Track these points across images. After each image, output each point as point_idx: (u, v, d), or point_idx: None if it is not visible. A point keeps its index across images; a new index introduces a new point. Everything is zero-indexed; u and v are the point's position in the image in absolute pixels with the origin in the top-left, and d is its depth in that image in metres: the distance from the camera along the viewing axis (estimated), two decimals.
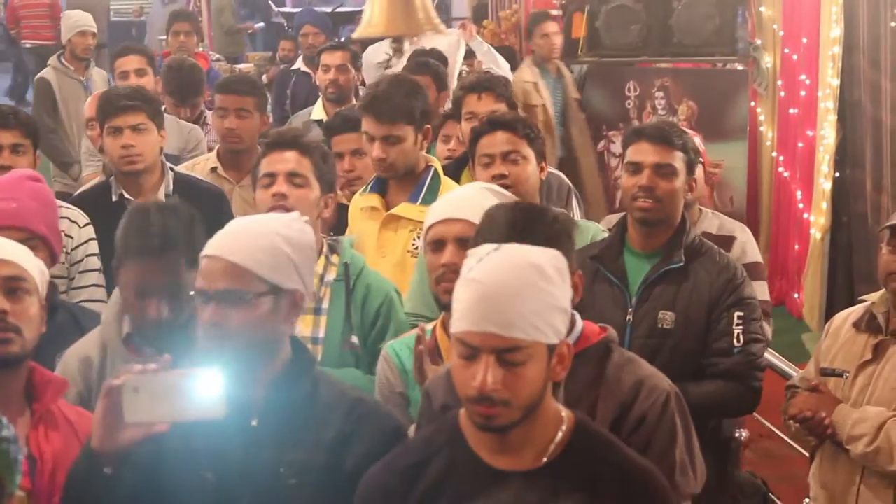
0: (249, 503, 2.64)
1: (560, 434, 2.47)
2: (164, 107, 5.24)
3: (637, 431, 2.79)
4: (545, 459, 2.45)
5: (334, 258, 3.66)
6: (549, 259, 2.43)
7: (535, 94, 8.51)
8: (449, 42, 7.38)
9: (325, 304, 3.60)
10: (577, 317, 2.88)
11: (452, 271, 3.11)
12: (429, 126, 4.51)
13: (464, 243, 3.14)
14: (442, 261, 3.20)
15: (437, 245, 3.24)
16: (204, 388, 2.47)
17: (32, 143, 4.56)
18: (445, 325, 3.23)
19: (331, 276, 3.63)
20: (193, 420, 2.53)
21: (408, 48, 7.72)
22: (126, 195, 4.54)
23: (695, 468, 2.88)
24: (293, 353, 2.76)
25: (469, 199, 3.26)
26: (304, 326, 3.54)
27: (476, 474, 2.47)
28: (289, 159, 3.63)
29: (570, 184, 5.12)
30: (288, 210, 3.39)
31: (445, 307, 3.19)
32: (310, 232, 2.80)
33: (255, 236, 2.70)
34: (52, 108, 7.92)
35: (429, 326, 3.31)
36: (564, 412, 2.51)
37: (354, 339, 3.55)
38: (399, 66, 6.84)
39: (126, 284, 3.17)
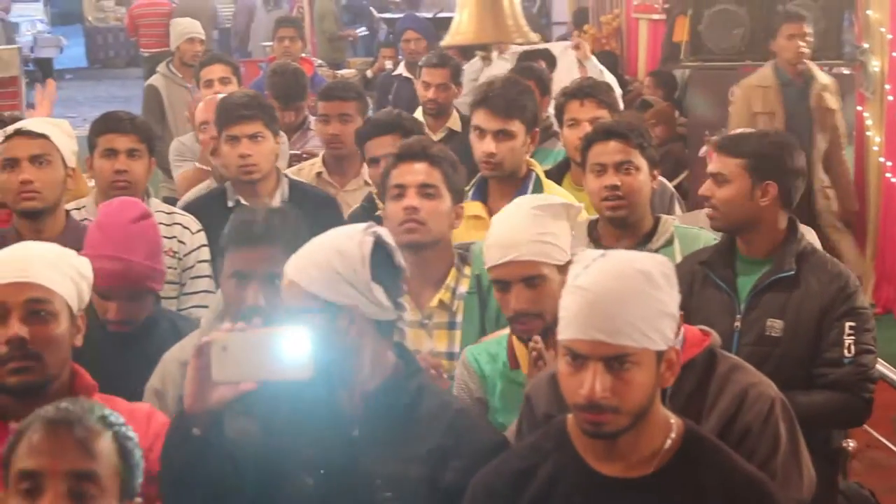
0: None
1: (669, 441, 2.46)
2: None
3: (742, 442, 2.77)
4: (654, 467, 2.44)
5: (466, 269, 3.64)
6: (656, 264, 2.43)
7: (763, 100, 7.79)
8: (559, 52, 7.39)
9: (458, 318, 3.60)
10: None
11: (523, 315, 3.16)
12: (536, 130, 4.53)
13: (529, 283, 3.17)
14: (512, 306, 3.20)
15: (502, 287, 3.23)
16: (291, 347, 2.47)
17: (148, 149, 4.62)
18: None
19: (462, 288, 3.61)
20: (279, 378, 2.52)
21: (495, 56, 7.74)
22: (242, 201, 4.60)
23: (801, 476, 2.85)
24: (399, 362, 2.76)
25: (520, 234, 3.21)
26: (438, 342, 3.58)
27: (584, 481, 2.46)
28: (419, 171, 3.60)
29: (672, 189, 5.09)
30: (420, 224, 3.44)
31: (523, 340, 3.21)
32: (368, 244, 2.70)
33: (312, 253, 2.70)
34: (161, 114, 8.05)
35: (503, 333, 3.33)
36: (674, 419, 2.50)
37: None
38: (489, 72, 6.84)
39: (227, 272, 3.22)
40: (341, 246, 2.67)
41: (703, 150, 7.16)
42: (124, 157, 4.54)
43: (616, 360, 2.35)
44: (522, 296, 3.17)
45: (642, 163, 4.01)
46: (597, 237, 4.04)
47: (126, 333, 3.56)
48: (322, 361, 2.55)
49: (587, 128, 4.58)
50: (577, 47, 7.65)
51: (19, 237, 3.94)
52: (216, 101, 5.08)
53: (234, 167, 4.63)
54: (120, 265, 3.53)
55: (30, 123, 4.25)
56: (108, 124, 4.63)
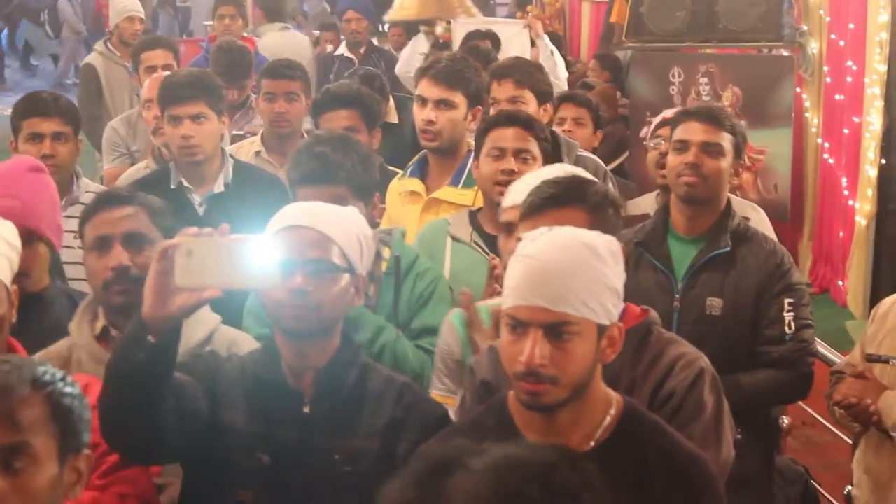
0: (304, 488, 2.66)
1: (609, 418, 2.47)
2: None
3: (664, 406, 2.79)
4: (592, 444, 2.45)
5: (385, 252, 3.65)
6: (602, 241, 2.44)
7: None
8: (512, 33, 7.40)
9: (371, 299, 3.59)
10: None
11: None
12: (479, 108, 4.54)
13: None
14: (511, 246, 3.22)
15: (509, 229, 3.23)
16: (259, 256, 2.39)
17: (74, 130, 4.56)
18: None
19: (380, 270, 3.62)
20: (245, 288, 2.48)
21: (440, 31, 7.73)
22: (185, 183, 4.54)
23: (719, 451, 2.86)
24: (341, 341, 2.80)
25: None
26: None
27: None
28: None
29: (605, 167, 5.13)
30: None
31: None
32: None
33: (340, 216, 2.80)
34: (98, 94, 7.94)
35: (496, 300, 3.34)
36: (613, 396, 2.51)
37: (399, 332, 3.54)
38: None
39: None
40: (357, 219, 2.85)
41: (644, 130, 7.21)
42: (49, 142, 4.47)
43: (556, 328, 2.35)
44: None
45: (538, 153, 4.01)
46: (477, 224, 4.03)
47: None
48: (328, 320, 2.68)
49: (505, 108, 4.62)
50: (529, 26, 7.68)
51: None
52: (161, 78, 5.02)
53: (176, 148, 4.58)
54: (12, 202, 3.45)
55: None
56: (32, 107, 4.56)
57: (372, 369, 2.84)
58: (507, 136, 3.96)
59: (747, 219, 4.42)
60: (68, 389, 2.20)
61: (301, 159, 3.50)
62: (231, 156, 4.74)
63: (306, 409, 2.71)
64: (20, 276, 3.36)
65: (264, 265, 2.37)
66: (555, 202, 2.89)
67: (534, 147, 3.96)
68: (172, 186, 4.50)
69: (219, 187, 4.51)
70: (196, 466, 2.74)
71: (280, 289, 2.61)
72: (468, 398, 2.93)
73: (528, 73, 4.93)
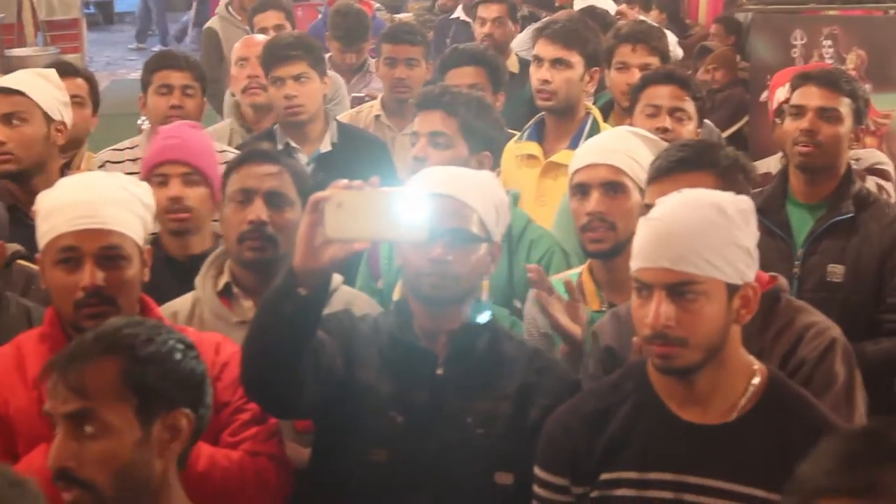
0: (437, 450, 2.69)
1: (752, 388, 2.44)
2: (329, 54, 5.31)
3: (795, 375, 2.74)
4: (735, 414, 2.42)
5: None
6: (731, 200, 2.42)
7: None
8: None
9: None
10: None
11: (598, 219, 3.12)
12: (597, 69, 4.52)
13: (610, 189, 3.15)
14: (587, 208, 3.19)
15: (581, 190, 3.23)
16: (410, 208, 2.38)
17: (201, 88, 4.73)
18: (592, 271, 3.25)
19: None
20: (393, 239, 2.50)
21: None
22: (292, 143, 4.62)
23: (852, 421, 2.83)
24: (473, 304, 2.82)
25: (614, 144, 3.25)
26: None
27: (663, 425, 2.45)
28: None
29: (719, 132, 5.09)
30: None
31: (590, 255, 3.21)
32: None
33: (479, 183, 2.81)
34: (219, 57, 8.04)
35: (575, 271, 3.33)
36: (757, 365, 2.48)
37: (517, 303, 3.53)
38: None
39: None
40: (494, 184, 2.88)
41: (765, 94, 7.08)
42: (179, 93, 4.65)
43: (680, 288, 2.34)
44: (600, 200, 3.17)
45: (693, 113, 3.97)
46: None
47: (184, 265, 3.54)
48: (465, 289, 2.72)
49: (636, 73, 4.57)
50: None
51: (13, 197, 3.96)
52: (255, 38, 5.11)
53: (280, 109, 4.66)
54: (175, 141, 3.64)
55: (5, 79, 4.16)
56: (163, 61, 4.75)
57: (504, 334, 2.87)
58: (662, 94, 3.95)
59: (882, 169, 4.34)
60: (153, 349, 2.22)
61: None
62: (335, 118, 4.82)
63: (439, 371, 2.74)
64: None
65: (413, 217, 2.37)
66: (683, 166, 2.86)
67: (689, 106, 3.95)
68: (279, 147, 4.56)
69: (325, 147, 4.61)
70: (330, 424, 2.79)
71: (420, 256, 2.64)
72: (591, 364, 2.93)
73: (660, 40, 4.90)
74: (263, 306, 2.56)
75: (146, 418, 2.18)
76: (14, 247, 3.28)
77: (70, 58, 8.54)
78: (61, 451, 2.14)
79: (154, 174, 3.66)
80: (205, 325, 3.11)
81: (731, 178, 2.84)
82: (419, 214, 2.38)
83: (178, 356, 2.23)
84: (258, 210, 3.12)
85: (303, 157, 4.52)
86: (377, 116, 5.43)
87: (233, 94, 6.15)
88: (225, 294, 3.21)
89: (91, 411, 2.14)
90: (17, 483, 1.74)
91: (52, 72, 4.25)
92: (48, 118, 4.04)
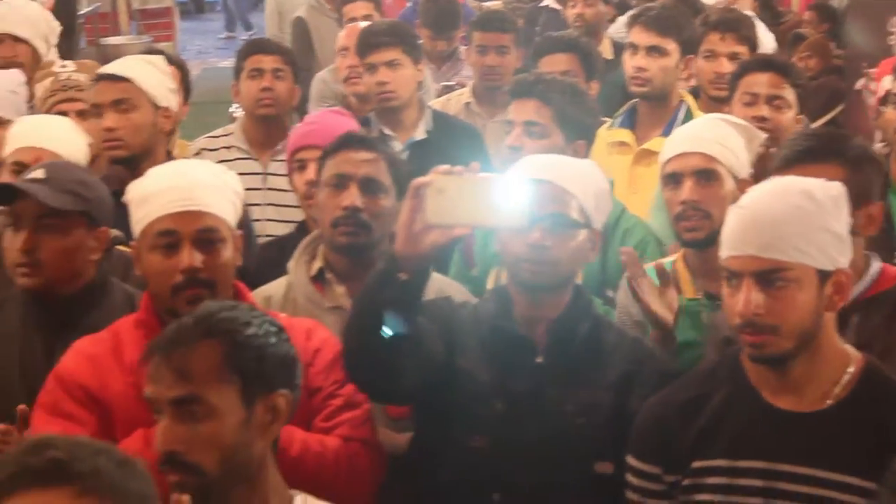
0: (537, 438, 2.70)
1: (847, 376, 2.42)
2: (420, 41, 5.33)
3: None
4: (829, 402, 2.40)
5: None
6: (821, 186, 2.39)
7: None
8: None
9: None
10: (875, 258, 2.82)
11: (692, 208, 3.09)
12: (692, 57, 4.49)
13: (703, 177, 3.12)
14: (681, 197, 3.17)
15: (674, 180, 3.21)
16: (510, 194, 2.39)
17: (292, 72, 4.81)
18: (686, 259, 3.23)
19: None
20: (494, 225, 2.52)
21: None
22: (386, 131, 4.64)
23: None
24: (573, 294, 2.82)
25: (706, 132, 3.23)
26: None
27: (756, 413, 2.44)
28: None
29: (807, 122, 4.99)
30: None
31: (686, 244, 3.19)
32: None
33: (579, 169, 2.83)
34: (308, 46, 8.10)
35: (669, 259, 3.31)
36: (852, 353, 2.45)
37: (610, 293, 3.52)
38: None
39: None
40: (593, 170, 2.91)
41: (861, 82, 6.98)
42: (269, 76, 4.72)
43: (768, 276, 2.32)
44: (693, 188, 3.16)
45: (793, 101, 3.92)
46: None
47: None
48: (564, 275, 2.74)
49: (724, 62, 4.52)
50: None
51: (121, 183, 4.00)
52: (357, 27, 5.15)
53: (373, 95, 4.70)
54: (315, 126, 3.76)
55: (114, 66, 4.21)
56: (253, 47, 4.89)
57: (604, 322, 2.87)
58: (761, 82, 3.91)
59: None
60: (252, 331, 2.24)
61: None
62: (429, 106, 4.85)
63: (539, 359, 2.75)
64: None
65: (513, 203, 2.37)
66: (810, 156, 2.82)
67: (788, 94, 3.91)
68: (374, 134, 4.59)
69: (420, 134, 4.63)
70: (429, 411, 2.81)
71: (519, 242, 2.64)
72: (710, 352, 2.92)
73: (749, 29, 4.85)
74: (364, 291, 2.59)
75: (249, 400, 2.21)
76: (115, 233, 3.34)
77: (162, 46, 8.64)
78: (169, 436, 2.18)
79: (294, 159, 3.76)
80: (298, 309, 3.14)
81: (858, 169, 2.79)
82: (519, 200, 2.38)
83: (273, 339, 2.27)
84: (353, 196, 3.15)
85: (397, 145, 4.55)
86: (467, 104, 5.44)
87: (324, 82, 6.23)
88: (318, 279, 3.24)
89: (197, 395, 2.18)
90: (125, 463, 1.77)
91: (160, 58, 4.32)
92: (155, 104, 4.10)
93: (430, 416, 2.82)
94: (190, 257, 2.75)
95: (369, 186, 3.17)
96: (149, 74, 4.12)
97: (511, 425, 2.70)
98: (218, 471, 2.17)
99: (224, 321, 2.24)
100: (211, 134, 4.91)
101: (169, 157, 4.18)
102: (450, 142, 4.54)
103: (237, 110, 5.49)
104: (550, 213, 2.72)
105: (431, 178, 2.41)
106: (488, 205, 2.37)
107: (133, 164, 3.99)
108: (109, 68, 4.17)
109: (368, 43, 4.73)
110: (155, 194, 2.82)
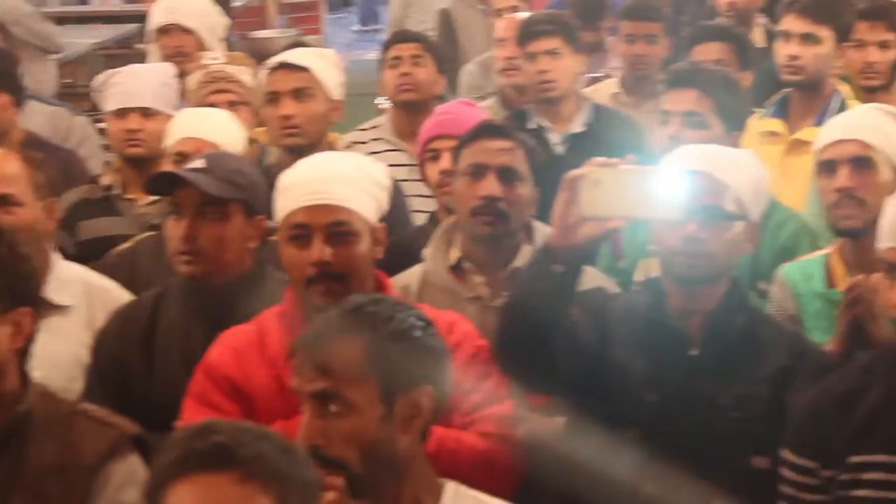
0: (690, 430, 2.69)
1: None
2: None
3: None
4: None
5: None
6: None
7: None
8: None
9: None
10: None
11: (847, 196, 3.03)
12: (847, 45, 4.40)
13: (858, 165, 3.06)
14: (835, 185, 3.11)
15: (828, 167, 3.15)
16: (665, 186, 2.36)
17: (434, 60, 4.86)
18: (842, 252, 3.17)
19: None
20: (649, 218, 2.51)
21: None
22: (543, 123, 4.63)
23: None
24: (729, 287, 2.79)
25: (862, 120, 3.17)
26: None
27: None
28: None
29: None
30: None
31: (840, 233, 3.13)
32: None
33: (735, 160, 2.79)
34: (452, 38, 8.11)
35: (823, 252, 3.27)
36: None
37: (761, 285, 3.45)
38: None
39: None
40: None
41: None
42: (407, 63, 4.78)
43: None
44: (848, 176, 3.10)
45: None
46: None
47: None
48: (721, 268, 2.70)
49: (873, 51, 4.42)
50: None
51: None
52: (514, 18, 5.16)
53: (532, 85, 4.68)
54: (447, 116, 3.81)
55: (292, 55, 4.30)
56: (393, 37, 5.01)
57: (760, 315, 2.84)
58: None
59: None
60: (395, 327, 2.22)
61: None
62: (588, 97, 4.81)
63: (693, 352, 2.73)
64: None
65: (669, 195, 2.35)
66: None
67: None
68: (530, 127, 4.58)
69: (578, 127, 4.59)
70: (582, 402, 2.80)
71: (673, 235, 2.63)
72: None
73: None
74: (519, 283, 2.61)
75: (389, 396, 2.19)
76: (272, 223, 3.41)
77: (309, 40, 8.76)
78: (310, 430, 2.19)
79: (427, 150, 3.78)
80: (434, 299, 3.14)
81: None
82: (674, 192, 2.36)
83: (418, 333, 2.24)
84: (491, 185, 3.15)
85: (554, 137, 4.55)
86: (615, 94, 5.41)
87: (471, 74, 6.26)
88: (455, 269, 3.25)
89: (335, 390, 2.17)
90: (288, 449, 1.81)
91: (331, 52, 4.46)
92: (328, 96, 4.18)
93: (582, 407, 2.81)
94: (320, 251, 2.77)
95: (507, 175, 3.18)
96: (324, 66, 4.22)
97: (664, 417, 2.69)
98: (360, 465, 2.16)
99: (367, 316, 2.23)
100: (360, 127, 4.97)
101: (330, 150, 4.26)
102: (609, 135, 4.49)
103: (384, 102, 5.55)
104: (705, 206, 2.69)
105: (586, 171, 2.41)
106: (643, 197, 2.35)
107: (302, 153, 4.06)
108: (287, 57, 4.27)
109: (529, 31, 4.73)
110: (293, 186, 2.87)
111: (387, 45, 4.98)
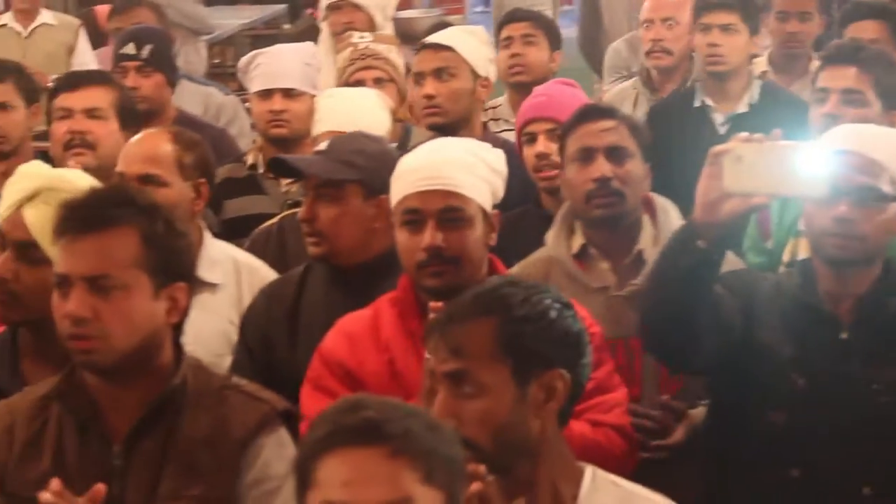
0: (839, 415, 2.64)
1: None
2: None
3: None
4: None
5: None
6: None
7: None
8: None
9: None
10: None
11: None
12: None
13: None
14: None
15: None
16: (811, 163, 2.31)
17: (546, 37, 4.84)
18: None
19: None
20: (793, 195, 2.47)
21: None
22: (708, 102, 4.59)
23: None
24: (883, 269, 2.73)
25: None
26: None
27: None
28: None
29: None
30: None
31: None
32: None
33: (892, 140, 2.72)
34: (595, 18, 8.00)
35: None
36: None
37: None
38: None
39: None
40: None
41: None
42: (519, 43, 4.77)
43: None
44: None
45: None
46: None
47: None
48: (872, 250, 2.64)
49: None
50: None
51: None
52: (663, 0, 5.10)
53: (702, 57, 4.65)
54: (543, 98, 3.74)
55: (437, 35, 4.34)
56: (505, 16, 4.99)
57: None
58: None
59: None
60: (528, 309, 2.20)
61: None
62: (758, 77, 4.73)
63: (844, 336, 2.68)
64: None
65: (815, 173, 2.30)
66: None
67: None
68: (696, 105, 4.54)
69: (743, 107, 4.54)
70: (725, 383, 2.78)
71: (824, 215, 2.57)
72: None
73: None
74: (662, 258, 2.59)
75: (522, 379, 2.18)
76: None
77: (452, 19, 8.79)
78: (442, 410, 2.18)
79: (523, 132, 3.75)
80: (559, 287, 3.09)
81: None
82: (820, 170, 2.30)
83: (554, 314, 2.22)
84: (601, 167, 3.12)
85: (718, 117, 4.51)
86: (763, 73, 5.29)
87: (617, 53, 6.18)
88: (581, 256, 3.21)
89: (468, 372, 2.16)
90: (435, 426, 1.82)
91: (481, 29, 4.47)
92: (475, 74, 4.20)
93: (727, 388, 2.78)
94: (432, 236, 2.78)
95: (615, 154, 3.14)
96: (470, 44, 4.24)
97: (812, 401, 2.65)
98: (492, 447, 2.15)
99: (501, 298, 2.21)
100: (489, 104, 4.95)
101: (485, 128, 4.29)
102: (773, 116, 4.37)
103: None
104: (859, 186, 2.62)
105: (730, 146, 2.38)
106: (788, 174, 2.30)
107: (449, 131, 4.08)
108: (432, 38, 4.33)
109: (707, 3, 4.66)
110: (407, 171, 2.88)
111: (499, 26, 4.96)
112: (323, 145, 3.20)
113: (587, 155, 3.15)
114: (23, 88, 4.29)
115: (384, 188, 3.01)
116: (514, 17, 5.01)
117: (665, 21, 5.09)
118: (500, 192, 2.95)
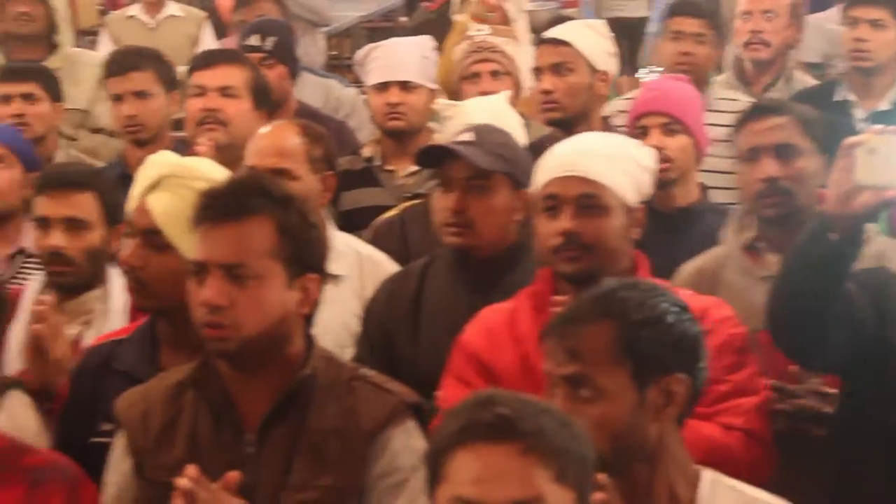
0: None
1: None
2: None
3: None
4: None
5: None
6: None
7: None
8: None
9: None
10: None
11: None
12: None
13: None
14: None
15: None
16: None
17: (714, 36, 4.77)
18: None
19: None
20: None
21: None
22: (850, 97, 4.55)
23: None
24: None
25: None
26: None
27: None
28: None
29: None
30: None
31: None
32: None
33: None
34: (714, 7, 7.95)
35: None
36: None
37: None
38: None
39: None
40: None
41: None
42: (691, 41, 4.71)
43: None
44: None
45: None
46: None
47: (670, 217, 3.59)
48: None
49: None
50: None
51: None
52: None
53: (847, 53, 4.64)
54: (655, 93, 3.75)
55: (555, 30, 4.32)
56: (678, 7, 4.87)
57: None
58: None
59: None
60: (648, 313, 2.18)
61: None
62: None
63: None
64: None
65: None
66: None
67: None
68: (836, 99, 4.50)
69: (885, 104, 4.49)
70: (857, 384, 2.73)
71: None
72: None
73: None
74: (793, 249, 2.57)
75: (641, 383, 2.16)
76: None
77: (569, 13, 8.76)
78: None
79: (636, 126, 3.74)
80: (731, 279, 3.13)
81: None
82: None
83: (671, 318, 2.20)
84: (766, 167, 3.10)
85: (859, 113, 4.46)
86: None
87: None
88: (752, 249, 3.20)
89: (586, 376, 2.15)
90: (568, 424, 1.82)
91: (601, 23, 4.46)
92: (593, 68, 4.19)
93: (856, 388, 2.74)
94: (568, 221, 2.79)
95: (783, 152, 3.12)
96: (588, 38, 4.23)
97: None
98: (610, 452, 2.12)
99: (619, 301, 2.20)
100: (627, 96, 4.92)
101: (605, 122, 4.27)
102: None
103: (648, 74, 5.49)
104: None
105: (864, 138, 2.36)
106: None
107: (567, 126, 4.09)
108: (550, 32, 4.32)
109: None
110: (549, 160, 2.90)
111: (669, 15, 4.89)
112: (468, 136, 3.18)
113: (754, 154, 3.15)
114: (162, 76, 4.35)
115: (527, 181, 3.03)
116: (690, 11, 4.83)
117: (765, 13, 5.01)
118: (647, 189, 2.95)
